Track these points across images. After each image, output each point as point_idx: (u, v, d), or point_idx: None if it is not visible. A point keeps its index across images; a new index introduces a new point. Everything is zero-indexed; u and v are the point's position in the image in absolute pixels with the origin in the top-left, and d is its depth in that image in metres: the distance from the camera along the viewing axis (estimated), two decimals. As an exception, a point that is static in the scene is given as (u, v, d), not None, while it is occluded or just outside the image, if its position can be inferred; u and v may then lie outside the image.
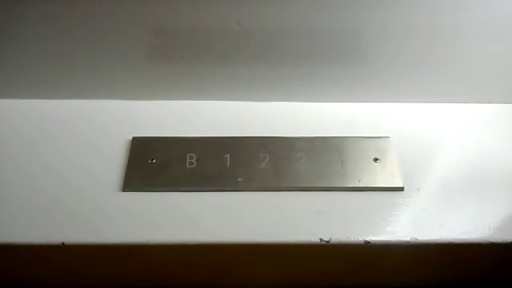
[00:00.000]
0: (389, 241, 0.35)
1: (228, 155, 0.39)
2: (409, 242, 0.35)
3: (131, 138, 0.40)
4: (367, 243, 0.34)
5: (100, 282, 0.39)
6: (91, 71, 0.42)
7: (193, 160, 0.39)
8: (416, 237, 0.35)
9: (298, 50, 0.41)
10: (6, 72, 0.41)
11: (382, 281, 0.39)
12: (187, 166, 0.38)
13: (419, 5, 0.38)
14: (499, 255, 0.36)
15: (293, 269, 0.38)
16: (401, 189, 0.38)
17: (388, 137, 0.41)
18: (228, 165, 0.38)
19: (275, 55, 0.41)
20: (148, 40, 0.40)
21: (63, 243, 0.34)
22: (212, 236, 0.35)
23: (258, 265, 0.37)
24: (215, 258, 0.36)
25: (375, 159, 0.39)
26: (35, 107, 0.42)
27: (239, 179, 0.38)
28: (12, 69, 0.41)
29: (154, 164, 0.38)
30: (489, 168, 0.39)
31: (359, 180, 0.38)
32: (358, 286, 0.40)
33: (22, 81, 0.42)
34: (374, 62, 0.42)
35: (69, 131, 0.41)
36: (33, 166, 0.38)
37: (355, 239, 0.34)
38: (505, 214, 0.36)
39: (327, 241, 0.34)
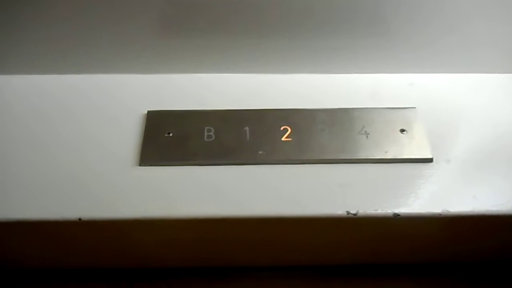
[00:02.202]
0: (420, 213, 0.33)
1: (247, 128, 0.37)
2: (441, 214, 0.33)
3: (146, 112, 0.39)
4: (396, 215, 0.33)
5: (117, 259, 0.38)
6: (104, 45, 0.40)
7: (211, 133, 0.37)
8: (448, 209, 0.33)
9: (319, 20, 0.39)
10: (19, 48, 0.40)
11: (412, 257, 0.38)
12: (205, 139, 0.37)
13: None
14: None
15: (318, 244, 0.36)
16: (430, 160, 0.36)
17: (414, 107, 0.39)
18: (248, 138, 0.37)
19: (295, 25, 0.40)
20: (162, 10, 0.38)
21: (80, 219, 0.33)
22: (233, 210, 0.33)
23: (280, 241, 0.36)
24: (236, 232, 0.35)
25: (402, 130, 0.37)
26: (50, 82, 0.41)
27: (260, 152, 0.36)
28: (26, 45, 0.40)
29: (171, 137, 0.37)
30: (521, 139, 0.38)
31: (386, 152, 0.36)
32: (387, 262, 0.39)
33: (35, 56, 0.41)
34: (398, 32, 0.40)
35: (84, 106, 0.39)
36: (48, 141, 0.37)
37: (383, 211, 0.33)
38: (539, 186, 0.35)
39: (354, 214, 0.33)
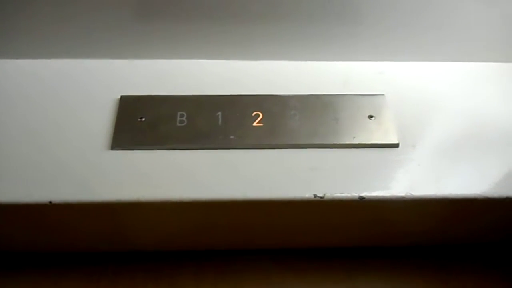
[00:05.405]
0: (384, 196, 0.34)
1: (220, 113, 0.38)
2: (404, 197, 0.34)
3: (119, 97, 0.39)
4: (361, 198, 0.34)
5: (92, 243, 0.38)
6: (78, 29, 0.40)
7: (183, 118, 0.38)
8: (411, 192, 0.34)
9: (291, 7, 0.40)
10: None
11: (378, 239, 0.39)
12: (178, 124, 0.37)
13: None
14: (496, 211, 0.36)
15: (287, 227, 0.37)
16: (396, 145, 0.37)
17: (383, 94, 0.40)
18: (220, 123, 0.37)
19: (267, 13, 0.40)
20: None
21: (50, 202, 0.33)
22: (204, 193, 0.34)
23: (250, 224, 0.37)
24: (206, 216, 0.35)
25: (370, 116, 0.38)
26: (20, 67, 0.41)
27: (232, 137, 0.37)
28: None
29: (144, 122, 0.37)
30: (487, 127, 0.38)
31: (354, 137, 0.37)
32: (354, 244, 0.40)
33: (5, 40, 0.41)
34: (367, 20, 0.41)
35: (56, 90, 0.39)
36: (19, 125, 0.37)
37: (349, 194, 0.34)
38: (502, 171, 0.36)
39: (321, 197, 0.34)
